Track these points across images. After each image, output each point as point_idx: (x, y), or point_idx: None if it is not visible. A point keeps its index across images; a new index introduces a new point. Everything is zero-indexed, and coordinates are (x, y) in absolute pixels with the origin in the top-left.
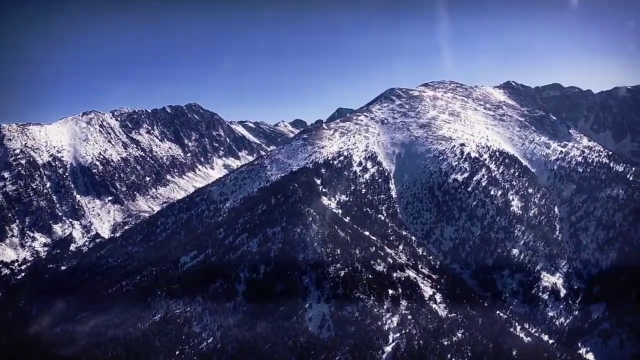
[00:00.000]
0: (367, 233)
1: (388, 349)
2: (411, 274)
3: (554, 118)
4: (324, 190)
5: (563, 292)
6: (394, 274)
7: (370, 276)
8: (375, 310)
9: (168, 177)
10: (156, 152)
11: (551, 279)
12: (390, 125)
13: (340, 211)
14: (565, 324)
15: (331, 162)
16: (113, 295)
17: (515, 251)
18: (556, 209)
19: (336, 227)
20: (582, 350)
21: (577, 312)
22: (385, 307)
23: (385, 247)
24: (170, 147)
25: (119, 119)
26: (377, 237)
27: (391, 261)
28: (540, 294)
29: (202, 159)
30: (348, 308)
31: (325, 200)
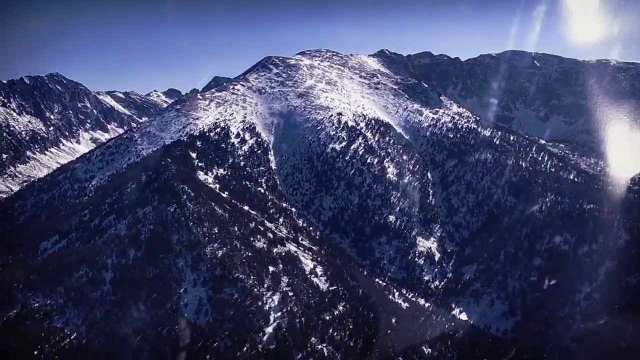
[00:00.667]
0: (246, 208)
1: (269, 329)
2: (292, 247)
3: (426, 85)
4: (200, 164)
5: (437, 256)
6: (274, 250)
7: (249, 254)
8: (256, 290)
9: (28, 153)
10: (14, 126)
11: (426, 244)
12: (268, 94)
13: (217, 186)
14: (440, 287)
15: (207, 134)
16: None
17: (391, 218)
18: (429, 175)
19: (213, 204)
20: (456, 311)
21: (450, 274)
22: (265, 285)
23: (266, 222)
24: (30, 121)
25: None
26: (257, 211)
27: (271, 236)
28: (416, 259)
29: (67, 133)
30: (227, 290)
31: (201, 175)
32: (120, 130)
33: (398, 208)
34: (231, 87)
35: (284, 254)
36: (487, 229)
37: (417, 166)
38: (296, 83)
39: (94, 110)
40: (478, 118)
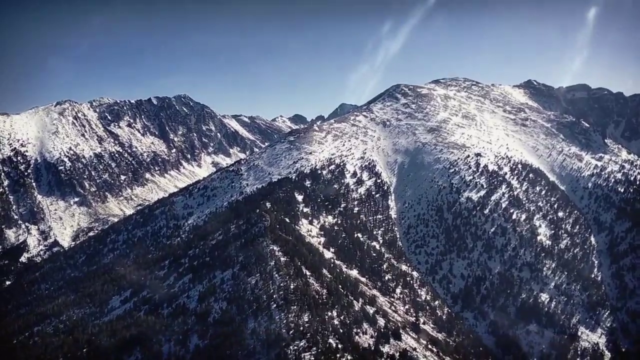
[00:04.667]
0: (354, 273)
1: None
2: (409, 342)
3: (586, 125)
4: (305, 210)
5: (608, 357)
6: (385, 348)
7: (349, 357)
8: None
9: (147, 175)
10: (136, 147)
11: (592, 338)
12: (393, 128)
13: (322, 240)
14: None
15: (319, 171)
16: (14, 348)
17: (544, 296)
18: (593, 239)
19: (308, 273)
20: None
21: None
22: None
23: (378, 295)
24: (153, 142)
25: (97, 110)
26: (368, 277)
27: (383, 323)
28: (578, 359)
29: (189, 156)
30: None
31: (304, 225)
32: (242, 155)
33: (553, 283)
34: (352, 117)
35: (397, 355)
36: None
37: (577, 227)
38: (427, 115)
39: (218, 134)
40: None
